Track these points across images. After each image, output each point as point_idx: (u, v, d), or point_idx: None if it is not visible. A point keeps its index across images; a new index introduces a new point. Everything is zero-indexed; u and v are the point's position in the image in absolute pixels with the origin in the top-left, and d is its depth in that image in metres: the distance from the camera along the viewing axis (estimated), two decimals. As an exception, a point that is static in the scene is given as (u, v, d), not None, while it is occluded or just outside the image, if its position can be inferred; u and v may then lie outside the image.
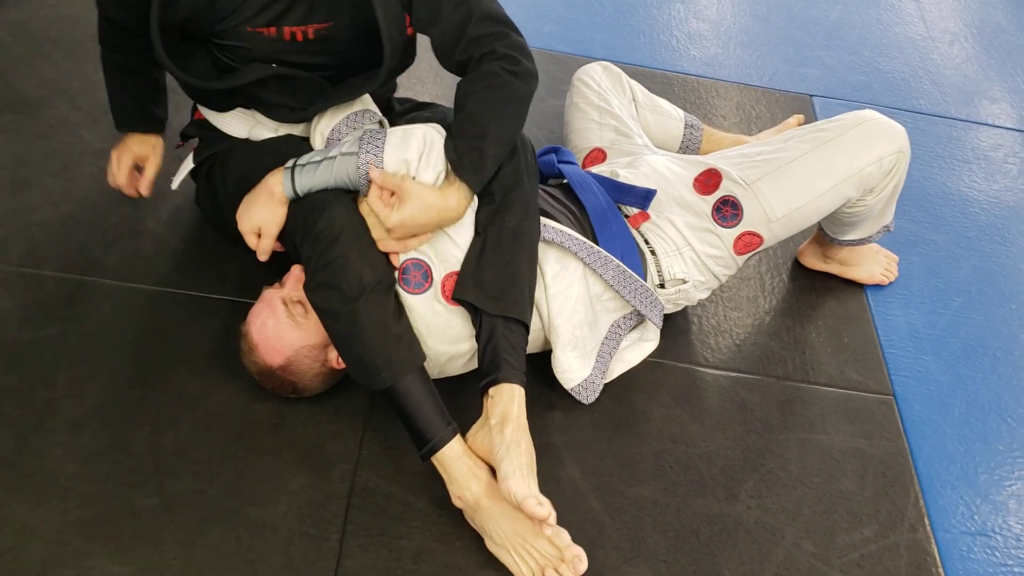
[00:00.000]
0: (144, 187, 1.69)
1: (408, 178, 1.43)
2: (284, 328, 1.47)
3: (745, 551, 1.54)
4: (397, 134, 1.47)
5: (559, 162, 1.77)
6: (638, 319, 1.71)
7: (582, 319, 1.61)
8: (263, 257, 1.51)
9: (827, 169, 1.65)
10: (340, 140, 1.54)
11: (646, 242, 1.70)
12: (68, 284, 1.68)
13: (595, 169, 1.80)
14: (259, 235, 1.49)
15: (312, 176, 1.46)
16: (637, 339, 1.74)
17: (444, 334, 1.51)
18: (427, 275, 1.48)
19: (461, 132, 1.44)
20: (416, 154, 1.45)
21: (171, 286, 1.72)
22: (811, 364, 1.86)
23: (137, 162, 1.69)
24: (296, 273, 1.51)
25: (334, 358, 1.50)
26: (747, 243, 1.70)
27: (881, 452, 1.73)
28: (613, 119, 1.90)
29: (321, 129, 1.57)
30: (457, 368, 1.58)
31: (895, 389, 1.85)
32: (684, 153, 2.06)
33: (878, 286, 2.05)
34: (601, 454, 1.63)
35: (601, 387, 1.67)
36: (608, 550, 1.50)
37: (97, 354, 1.59)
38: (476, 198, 1.50)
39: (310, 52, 1.50)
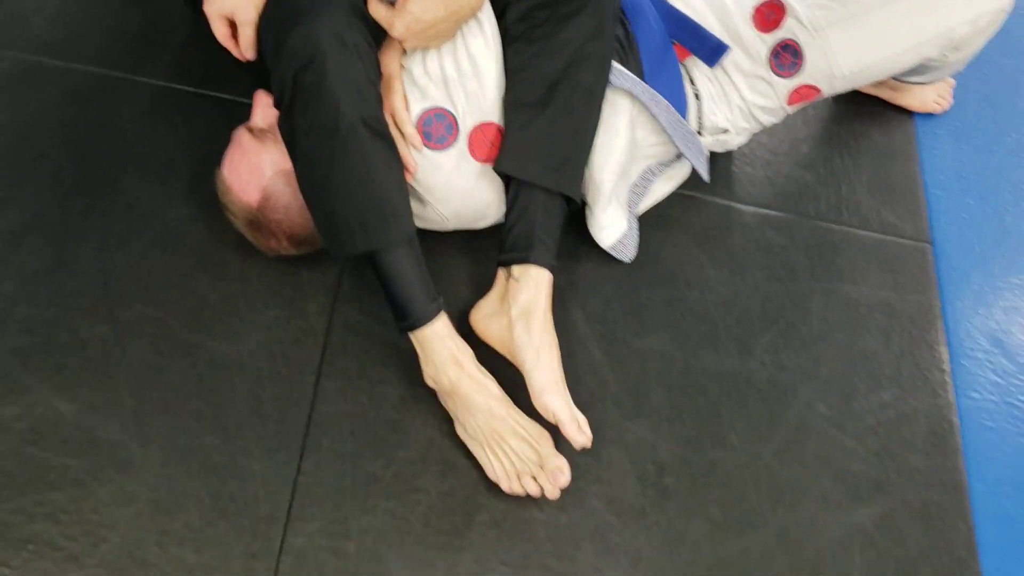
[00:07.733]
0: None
1: None
2: (251, 154, 1.23)
3: (754, 412, 1.42)
4: None
5: None
6: (669, 164, 1.51)
7: (622, 170, 1.40)
8: (247, 53, 1.18)
9: (911, 27, 1.37)
10: None
11: (691, 82, 1.46)
12: (4, 63, 1.43)
13: None
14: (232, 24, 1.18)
15: None
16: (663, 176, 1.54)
17: (469, 200, 1.29)
18: (451, 127, 1.23)
19: None
20: None
21: (125, 71, 1.47)
22: (846, 202, 1.67)
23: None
24: (262, 99, 1.26)
25: None
26: (802, 95, 1.45)
27: (911, 308, 1.58)
28: None
29: None
30: (467, 226, 1.37)
31: (934, 236, 1.68)
32: None
33: (929, 114, 1.83)
34: (607, 298, 1.47)
35: (638, 239, 1.49)
36: (608, 404, 1.37)
37: (39, 152, 1.38)
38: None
39: None
